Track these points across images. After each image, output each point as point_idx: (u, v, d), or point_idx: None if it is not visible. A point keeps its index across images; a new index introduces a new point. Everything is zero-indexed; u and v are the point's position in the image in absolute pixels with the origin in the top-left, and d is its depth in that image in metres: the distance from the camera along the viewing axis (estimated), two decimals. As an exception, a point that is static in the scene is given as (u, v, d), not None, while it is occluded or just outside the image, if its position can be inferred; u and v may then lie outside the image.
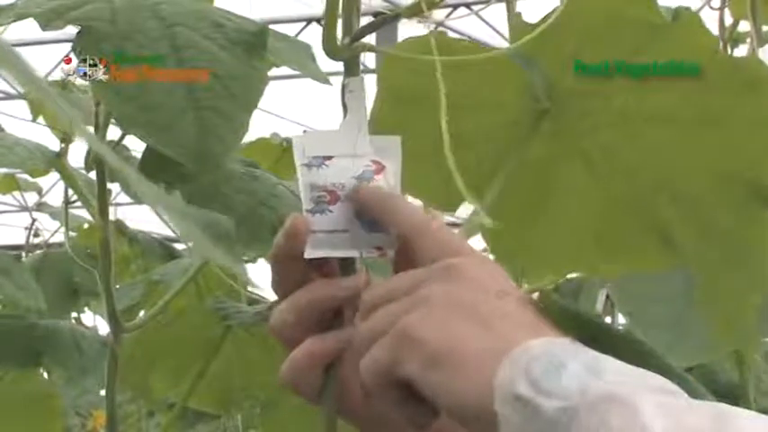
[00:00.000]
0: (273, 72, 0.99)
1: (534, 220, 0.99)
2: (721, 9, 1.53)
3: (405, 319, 0.73)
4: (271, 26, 0.95)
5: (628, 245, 0.96)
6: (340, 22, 0.83)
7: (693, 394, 0.67)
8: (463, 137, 0.97)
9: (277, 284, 0.82)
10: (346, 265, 0.81)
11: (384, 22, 0.84)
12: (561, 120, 0.92)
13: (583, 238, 0.98)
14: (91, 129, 1.38)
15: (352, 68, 0.83)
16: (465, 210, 0.96)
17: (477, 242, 1.06)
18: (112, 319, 1.37)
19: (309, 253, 0.79)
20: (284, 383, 0.81)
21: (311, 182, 0.80)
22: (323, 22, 0.83)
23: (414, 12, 0.83)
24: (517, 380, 0.66)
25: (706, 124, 0.88)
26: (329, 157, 0.81)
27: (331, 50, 0.83)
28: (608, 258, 0.99)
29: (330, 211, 0.80)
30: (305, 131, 0.83)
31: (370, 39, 0.85)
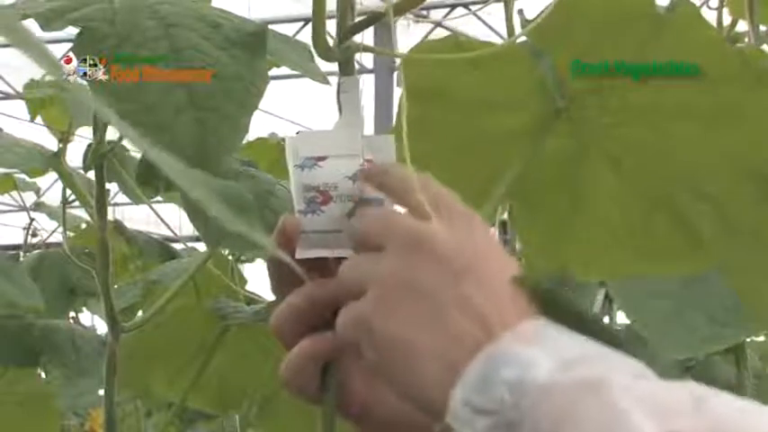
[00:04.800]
0: (272, 72, 0.99)
1: (568, 222, 0.99)
2: (719, 9, 1.53)
3: (359, 304, 0.74)
4: (269, 26, 0.95)
5: (660, 244, 0.96)
6: (335, 23, 0.83)
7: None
8: (484, 136, 0.97)
9: (275, 285, 0.82)
10: None
11: (371, 22, 0.83)
12: (578, 118, 0.92)
13: (617, 238, 0.97)
14: (90, 129, 1.39)
15: (347, 68, 0.83)
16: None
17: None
18: (111, 318, 1.37)
19: (300, 253, 0.79)
20: (283, 383, 0.81)
21: (303, 183, 0.80)
22: (312, 24, 0.83)
23: (399, 10, 0.83)
24: (456, 402, 0.67)
25: (722, 118, 0.88)
26: (323, 158, 0.81)
27: (322, 52, 0.83)
28: (643, 258, 0.98)
29: (322, 212, 0.80)
30: (298, 132, 0.83)
31: (367, 40, 0.85)
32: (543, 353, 0.67)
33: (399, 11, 0.83)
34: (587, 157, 0.95)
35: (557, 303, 0.72)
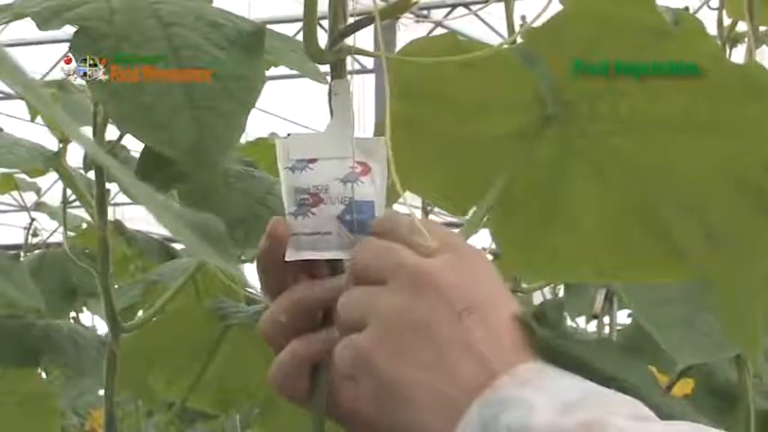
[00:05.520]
0: (271, 72, 0.99)
1: (547, 226, 0.99)
2: (719, 9, 1.53)
3: (359, 339, 0.73)
4: (268, 26, 0.95)
5: (640, 252, 0.95)
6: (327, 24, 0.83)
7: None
8: (474, 139, 0.97)
9: (265, 288, 0.82)
10: (335, 267, 0.81)
11: (360, 26, 0.83)
12: (568, 125, 0.92)
13: (596, 244, 0.97)
14: (89, 129, 1.39)
15: (338, 71, 0.83)
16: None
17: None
18: (111, 318, 1.37)
19: (290, 255, 0.79)
20: (272, 386, 0.81)
21: (294, 185, 0.80)
22: (303, 27, 0.83)
23: (389, 13, 0.83)
24: None
25: (712, 130, 0.88)
26: (313, 160, 0.81)
27: (314, 54, 0.83)
28: (621, 265, 0.98)
29: (312, 214, 0.80)
30: (289, 134, 0.83)
31: (368, 39, 0.85)
32: (543, 396, 0.66)
33: (386, 15, 0.82)
34: (574, 164, 0.94)
35: (556, 349, 0.73)
